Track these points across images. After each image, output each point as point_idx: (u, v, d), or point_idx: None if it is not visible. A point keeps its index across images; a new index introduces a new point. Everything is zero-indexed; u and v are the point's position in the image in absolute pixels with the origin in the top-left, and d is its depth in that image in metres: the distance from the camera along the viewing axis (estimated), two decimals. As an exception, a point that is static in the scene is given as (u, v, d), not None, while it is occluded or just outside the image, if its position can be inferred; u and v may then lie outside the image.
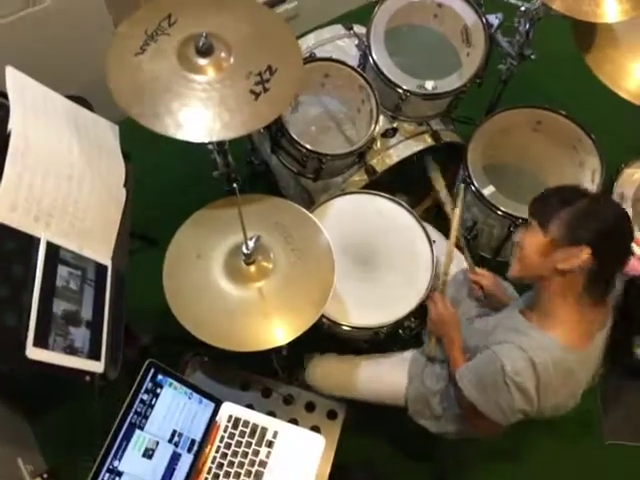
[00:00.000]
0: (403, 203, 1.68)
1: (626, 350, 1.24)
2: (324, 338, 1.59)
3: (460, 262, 1.64)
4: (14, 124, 1.16)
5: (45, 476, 1.61)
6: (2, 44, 1.83)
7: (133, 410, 1.13)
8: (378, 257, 1.63)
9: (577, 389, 1.21)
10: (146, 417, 1.15)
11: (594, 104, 1.94)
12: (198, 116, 1.26)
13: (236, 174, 1.77)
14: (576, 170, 1.82)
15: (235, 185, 1.11)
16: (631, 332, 1.22)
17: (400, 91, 1.68)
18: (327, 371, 1.60)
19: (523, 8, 1.73)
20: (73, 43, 1.98)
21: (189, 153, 1.85)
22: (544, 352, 1.12)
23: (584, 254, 1.09)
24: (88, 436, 1.21)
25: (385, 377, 1.57)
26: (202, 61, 1.30)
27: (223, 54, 1.33)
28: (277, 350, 1.74)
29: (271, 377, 1.45)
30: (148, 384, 1.17)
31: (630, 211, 1.66)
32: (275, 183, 2.09)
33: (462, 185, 1.68)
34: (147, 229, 2.08)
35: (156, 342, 1.75)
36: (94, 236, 1.28)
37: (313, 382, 1.58)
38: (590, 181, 1.75)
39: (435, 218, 2.00)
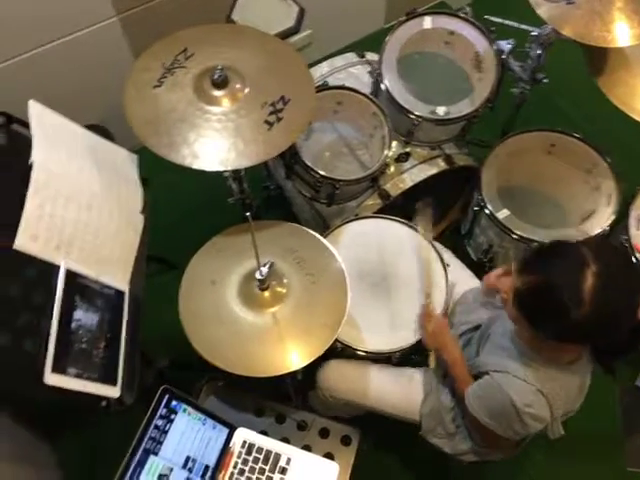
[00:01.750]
0: (417, 227, 1.69)
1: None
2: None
3: (468, 282, 1.64)
4: (36, 157, 1.20)
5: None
6: (27, 76, 1.90)
7: (147, 436, 1.14)
8: (392, 282, 1.64)
9: (584, 392, 1.25)
10: (160, 443, 1.17)
11: (610, 126, 1.94)
12: (214, 146, 1.29)
13: (251, 200, 1.80)
14: (592, 193, 1.81)
15: (248, 213, 1.13)
16: None
17: (412, 117, 1.70)
18: (341, 374, 1.57)
19: (535, 33, 1.76)
20: (95, 74, 2.05)
21: (208, 179, 1.88)
22: (550, 381, 1.14)
23: (570, 348, 1.12)
24: (107, 460, 1.23)
25: (400, 388, 1.55)
26: (217, 93, 1.34)
27: (238, 85, 1.36)
28: (292, 375, 1.76)
29: (285, 402, 1.45)
30: (162, 410, 1.18)
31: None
32: (290, 207, 2.12)
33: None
34: (166, 253, 2.12)
35: (172, 366, 1.77)
36: (112, 262, 1.31)
37: (325, 384, 1.56)
38: (606, 204, 1.75)
39: (451, 241, 2.01)
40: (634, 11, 1.52)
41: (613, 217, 1.71)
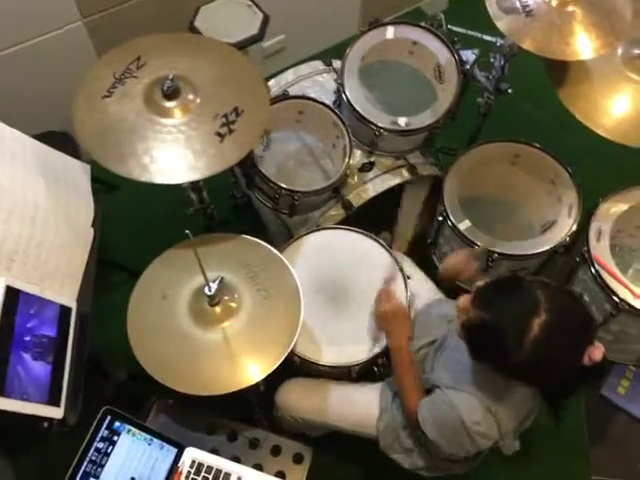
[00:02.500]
0: (378, 239, 1.68)
1: None
2: (299, 373, 1.58)
3: (429, 294, 1.64)
4: (-24, 169, 1.17)
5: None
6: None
7: (87, 459, 1.11)
8: (352, 294, 1.62)
9: (535, 411, 1.25)
10: (102, 466, 1.13)
11: (575, 137, 1.94)
12: (163, 158, 1.27)
13: (212, 210, 1.78)
14: (554, 204, 1.81)
15: (188, 231, 1.11)
16: None
17: (373, 128, 1.68)
18: (298, 393, 1.57)
19: (498, 44, 1.75)
20: (60, 79, 2.00)
21: (171, 188, 1.87)
22: (500, 399, 1.15)
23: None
24: (58, 475, 1.19)
25: (357, 404, 1.54)
26: (168, 104, 1.32)
27: (190, 96, 1.34)
28: (253, 388, 1.73)
29: (243, 418, 1.43)
30: (104, 432, 1.15)
31: (607, 246, 1.65)
32: (257, 216, 2.09)
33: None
34: (130, 261, 2.08)
35: (132, 378, 1.73)
36: (58, 277, 1.28)
37: (285, 404, 1.55)
38: (567, 215, 1.74)
39: (418, 250, 2.00)
40: (593, 24, 1.52)
41: (574, 228, 1.71)
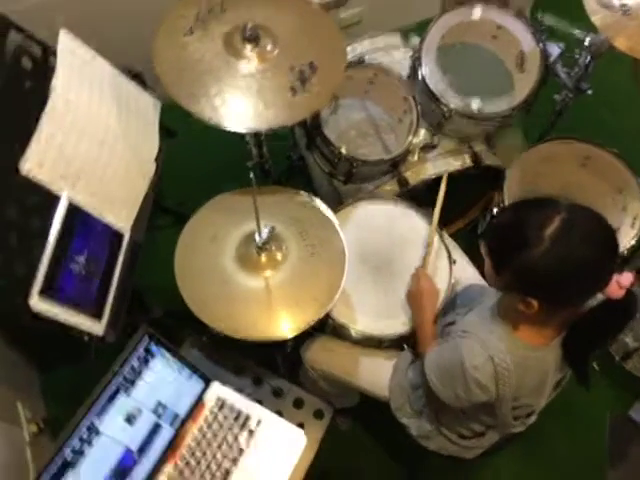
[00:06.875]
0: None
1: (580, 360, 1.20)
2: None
3: (472, 280, 1.62)
4: (56, 84, 1.21)
5: (41, 425, 1.66)
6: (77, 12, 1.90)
7: (122, 375, 1.16)
8: (395, 268, 1.61)
9: (541, 387, 1.22)
10: (133, 383, 1.18)
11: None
12: (234, 103, 1.29)
13: (270, 166, 1.80)
14: (618, 213, 1.75)
15: (252, 174, 1.12)
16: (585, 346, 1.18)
17: (444, 108, 1.65)
18: (326, 347, 1.59)
19: (587, 42, 1.69)
20: (142, 17, 2.05)
21: (233, 139, 1.90)
22: (508, 354, 1.12)
23: (533, 304, 1.06)
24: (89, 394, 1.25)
25: (378, 363, 1.56)
26: (247, 49, 1.33)
27: (269, 46, 1.35)
28: (280, 346, 1.76)
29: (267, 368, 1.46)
30: (140, 352, 1.20)
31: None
32: (310, 181, 2.10)
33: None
34: (180, 205, 2.13)
35: (166, 317, 1.79)
36: (117, 203, 1.32)
37: (309, 355, 1.58)
38: (630, 225, 1.69)
39: (466, 240, 1.97)
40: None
41: (635, 240, 1.65)
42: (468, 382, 1.16)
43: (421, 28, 1.75)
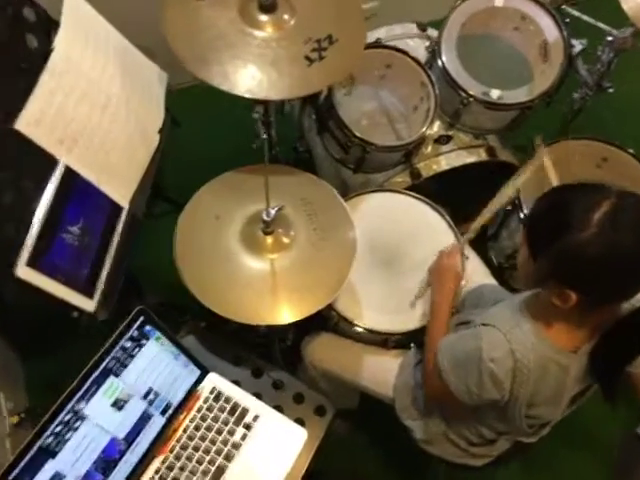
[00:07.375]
0: (445, 214, 1.58)
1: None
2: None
3: (483, 278, 1.55)
4: (58, 43, 1.13)
5: (22, 415, 1.57)
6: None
7: (111, 355, 1.06)
8: (405, 263, 1.53)
9: (558, 397, 1.12)
10: (124, 365, 1.08)
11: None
12: (246, 70, 1.21)
13: (277, 152, 1.72)
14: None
15: (265, 146, 1.04)
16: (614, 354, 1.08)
17: (463, 95, 1.59)
18: (327, 342, 1.53)
19: (610, 38, 1.63)
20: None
21: (239, 127, 1.82)
22: (531, 351, 1.04)
23: (571, 297, 0.96)
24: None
25: (382, 363, 1.48)
26: (263, 17, 1.25)
27: (286, 15, 1.28)
28: (281, 338, 1.68)
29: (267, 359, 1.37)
30: (134, 332, 1.10)
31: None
32: (317, 173, 2.03)
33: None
34: (181, 192, 2.05)
35: (161, 306, 1.70)
36: (116, 174, 1.24)
37: (311, 351, 1.51)
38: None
39: (476, 240, 1.90)
40: None
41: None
42: (482, 374, 1.07)
43: (438, 25, 1.69)
